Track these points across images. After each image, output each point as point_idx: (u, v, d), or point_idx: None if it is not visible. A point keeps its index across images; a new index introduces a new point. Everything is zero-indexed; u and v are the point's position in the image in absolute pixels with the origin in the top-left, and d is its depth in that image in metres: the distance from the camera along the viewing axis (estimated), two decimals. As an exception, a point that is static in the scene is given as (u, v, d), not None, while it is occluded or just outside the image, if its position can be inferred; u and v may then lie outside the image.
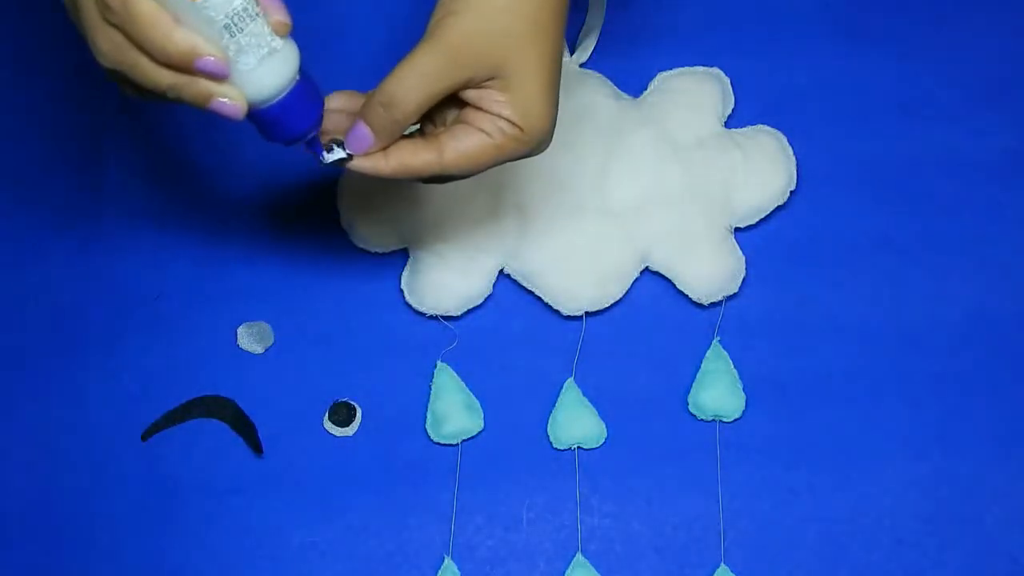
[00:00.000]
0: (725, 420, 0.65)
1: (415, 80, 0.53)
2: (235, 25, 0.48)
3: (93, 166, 0.72)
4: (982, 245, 0.69)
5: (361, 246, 0.69)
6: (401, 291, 0.68)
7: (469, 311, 0.67)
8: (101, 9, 0.48)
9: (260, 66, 0.49)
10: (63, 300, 0.69)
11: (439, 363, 0.67)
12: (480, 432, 0.66)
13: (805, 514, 0.63)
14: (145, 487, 0.65)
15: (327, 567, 0.63)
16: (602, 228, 0.67)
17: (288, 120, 0.52)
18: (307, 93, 0.52)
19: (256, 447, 0.65)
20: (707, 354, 0.66)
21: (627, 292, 0.68)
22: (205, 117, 0.70)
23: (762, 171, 0.69)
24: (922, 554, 0.62)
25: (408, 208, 0.68)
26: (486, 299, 0.68)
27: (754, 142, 0.70)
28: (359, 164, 0.55)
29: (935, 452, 0.64)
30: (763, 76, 0.72)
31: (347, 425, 0.65)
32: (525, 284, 0.68)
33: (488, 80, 0.53)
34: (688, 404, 0.66)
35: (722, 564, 0.62)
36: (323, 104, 0.54)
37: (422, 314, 0.67)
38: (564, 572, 0.63)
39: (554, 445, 0.65)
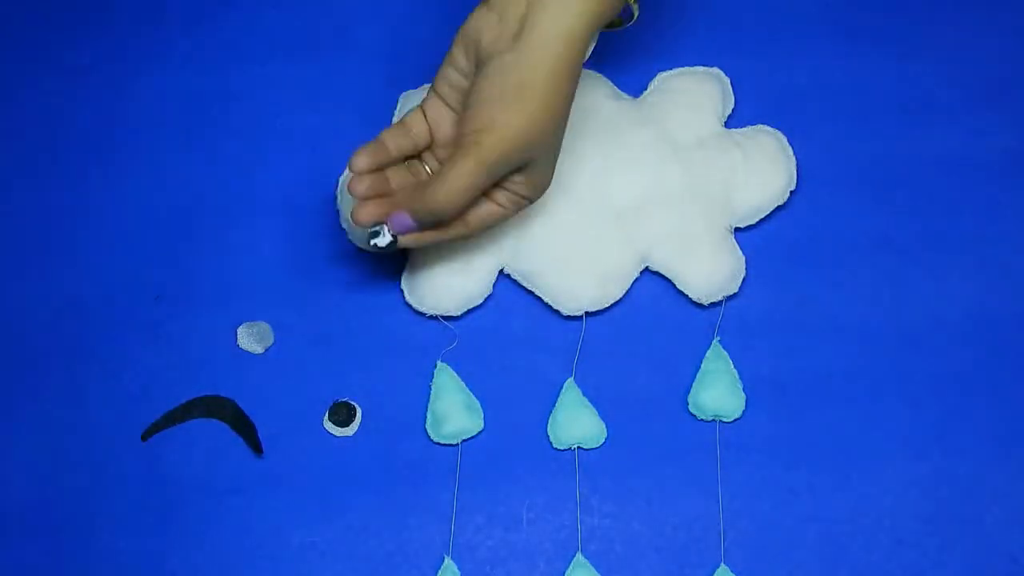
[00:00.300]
0: (725, 420, 0.65)
1: (460, 194, 0.59)
2: None
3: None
4: (982, 245, 0.69)
5: (361, 246, 0.69)
6: (401, 291, 0.68)
7: (469, 311, 0.68)
8: None
9: None
10: (63, 300, 0.69)
11: (439, 363, 0.67)
12: (480, 432, 0.66)
13: (805, 514, 0.63)
14: (145, 487, 0.65)
15: (327, 567, 0.63)
16: (602, 228, 0.67)
17: None
18: None
19: (256, 447, 0.65)
20: (707, 354, 0.66)
21: (627, 292, 0.68)
22: (204, 117, 0.70)
23: (762, 171, 0.69)
24: (922, 554, 0.62)
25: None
26: (486, 299, 0.68)
27: (754, 142, 0.70)
28: (402, 241, 0.62)
29: (935, 452, 0.64)
30: (763, 76, 0.72)
31: (347, 425, 0.65)
32: (525, 284, 0.68)
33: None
34: (688, 404, 0.66)
35: (722, 564, 0.62)
36: None
37: (422, 314, 0.67)
38: (564, 572, 0.63)
39: (554, 445, 0.65)
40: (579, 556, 0.63)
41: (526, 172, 0.60)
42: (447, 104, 0.62)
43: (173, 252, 0.70)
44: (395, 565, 0.63)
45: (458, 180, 0.58)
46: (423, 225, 0.61)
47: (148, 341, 0.68)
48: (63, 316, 0.69)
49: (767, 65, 0.73)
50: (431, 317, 0.67)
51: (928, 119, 0.72)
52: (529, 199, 0.62)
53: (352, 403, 0.66)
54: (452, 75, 0.61)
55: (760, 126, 0.71)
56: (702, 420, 0.65)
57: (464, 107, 0.59)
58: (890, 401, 0.65)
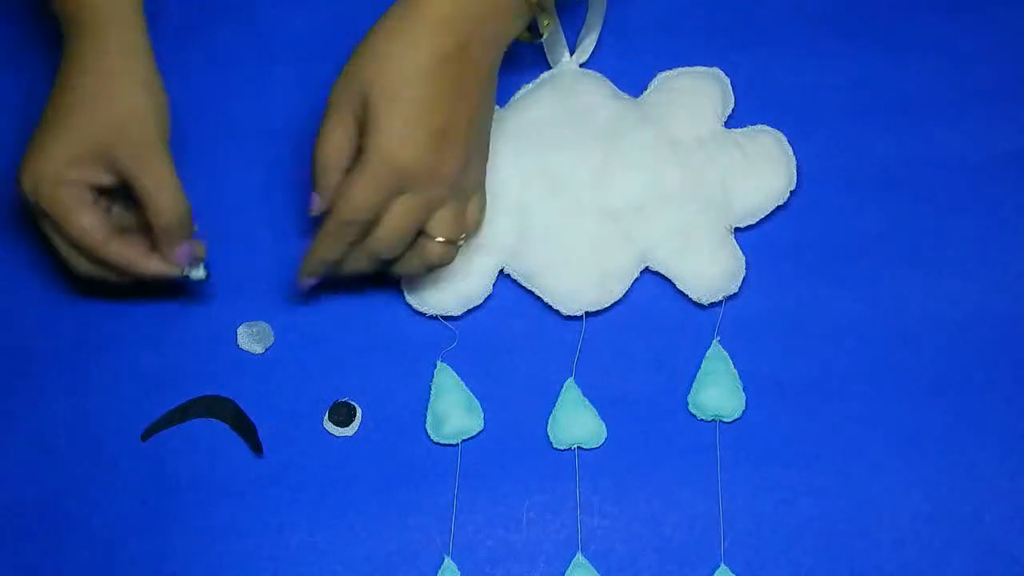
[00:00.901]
0: (725, 420, 0.65)
1: (335, 136, 0.61)
2: None
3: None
4: (982, 245, 0.69)
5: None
6: (401, 291, 0.68)
7: (469, 311, 0.68)
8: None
9: None
10: (63, 300, 0.69)
11: (439, 363, 0.67)
12: (480, 432, 0.66)
13: (805, 514, 0.63)
14: (145, 487, 0.65)
15: (327, 567, 0.63)
16: (602, 228, 0.67)
17: None
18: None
19: (256, 447, 0.65)
20: (707, 354, 0.66)
21: (627, 292, 0.68)
22: (204, 119, 0.70)
23: (762, 171, 0.69)
24: (922, 554, 0.62)
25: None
26: (486, 299, 0.68)
27: (754, 142, 0.70)
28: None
29: (935, 452, 0.64)
30: (763, 76, 0.72)
31: (347, 425, 0.65)
32: (525, 284, 0.68)
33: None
34: (688, 404, 0.66)
35: (722, 564, 0.62)
36: None
37: (422, 314, 0.67)
38: (564, 572, 0.63)
39: (554, 445, 0.65)
40: (579, 556, 0.63)
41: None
42: None
43: (173, 252, 0.70)
44: (395, 565, 0.63)
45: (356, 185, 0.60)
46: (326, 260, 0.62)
47: (148, 341, 0.68)
48: (63, 316, 0.69)
49: (767, 65, 0.73)
50: (431, 317, 0.67)
51: (928, 119, 0.71)
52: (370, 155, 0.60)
53: (352, 403, 0.66)
54: None
55: (760, 126, 0.71)
56: (702, 420, 0.65)
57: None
58: (890, 401, 0.65)
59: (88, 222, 0.61)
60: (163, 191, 0.62)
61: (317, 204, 0.62)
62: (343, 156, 0.61)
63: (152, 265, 0.63)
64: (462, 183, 0.61)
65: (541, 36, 0.66)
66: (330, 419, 0.65)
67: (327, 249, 0.62)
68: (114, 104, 0.62)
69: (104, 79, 0.62)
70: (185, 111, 0.73)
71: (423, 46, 0.59)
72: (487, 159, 0.64)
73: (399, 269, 0.64)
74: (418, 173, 0.59)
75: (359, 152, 0.60)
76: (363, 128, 0.60)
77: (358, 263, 0.63)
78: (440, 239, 0.62)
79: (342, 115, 0.60)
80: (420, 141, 0.59)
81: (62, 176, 0.61)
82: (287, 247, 0.70)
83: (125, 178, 0.62)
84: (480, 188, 0.64)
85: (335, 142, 0.61)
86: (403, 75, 0.59)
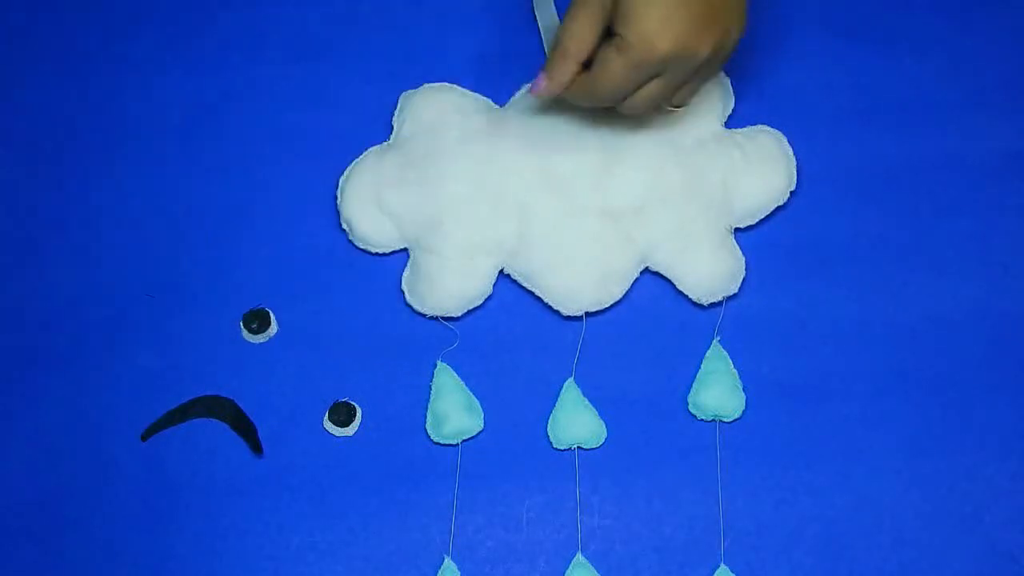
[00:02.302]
0: (725, 420, 0.65)
1: (582, 29, 0.61)
2: None
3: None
4: (982, 245, 0.69)
5: (361, 246, 0.69)
6: (401, 291, 0.68)
7: (469, 311, 0.68)
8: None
9: None
10: (63, 300, 0.69)
11: (439, 363, 0.67)
12: (480, 432, 0.66)
13: (805, 514, 0.63)
14: (145, 487, 0.65)
15: (327, 567, 0.63)
16: (602, 228, 0.67)
17: None
18: None
19: (256, 447, 0.65)
20: (707, 354, 0.66)
21: (627, 292, 0.68)
22: (204, 117, 0.70)
23: (762, 171, 0.69)
24: (922, 554, 0.62)
25: (408, 208, 0.68)
26: (486, 299, 0.68)
27: (754, 142, 0.70)
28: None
29: (935, 452, 0.64)
30: (763, 76, 0.72)
31: (347, 425, 0.65)
32: (525, 284, 0.68)
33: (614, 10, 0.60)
34: (688, 404, 0.66)
35: (722, 564, 0.62)
36: None
37: (422, 314, 0.67)
38: (564, 572, 0.63)
39: (554, 445, 0.65)
40: (579, 556, 0.63)
41: (619, 9, 0.60)
42: None
43: (173, 252, 0.70)
44: (395, 565, 0.63)
45: (576, 19, 0.61)
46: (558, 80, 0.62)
47: (148, 341, 0.68)
48: (63, 316, 0.69)
49: (767, 65, 0.73)
50: (431, 317, 0.67)
51: (928, 119, 0.71)
52: (624, 38, 0.60)
53: (352, 403, 0.66)
54: None
55: (760, 126, 0.71)
56: (702, 420, 0.65)
57: None
58: (890, 401, 0.65)
59: None
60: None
61: (544, 87, 0.63)
62: (586, 48, 0.61)
63: None
64: (714, 59, 0.62)
65: None
66: (330, 419, 0.65)
67: (571, 96, 0.63)
68: None
69: None
70: (189, 105, 0.74)
71: None
72: (742, 29, 0.63)
73: (622, 110, 0.65)
74: (677, 58, 0.60)
75: (608, 37, 0.61)
76: (615, 17, 0.60)
77: (587, 103, 0.65)
78: (676, 107, 0.66)
79: (590, 6, 0.61)
80: (680, 28, 0.59)
81: None
82: (287, 247, 0.70)
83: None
84: (727, 56, 0.64)
85: (580, 33, 0.61)
86: None
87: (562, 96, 0.64)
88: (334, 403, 0.66)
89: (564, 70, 0.62)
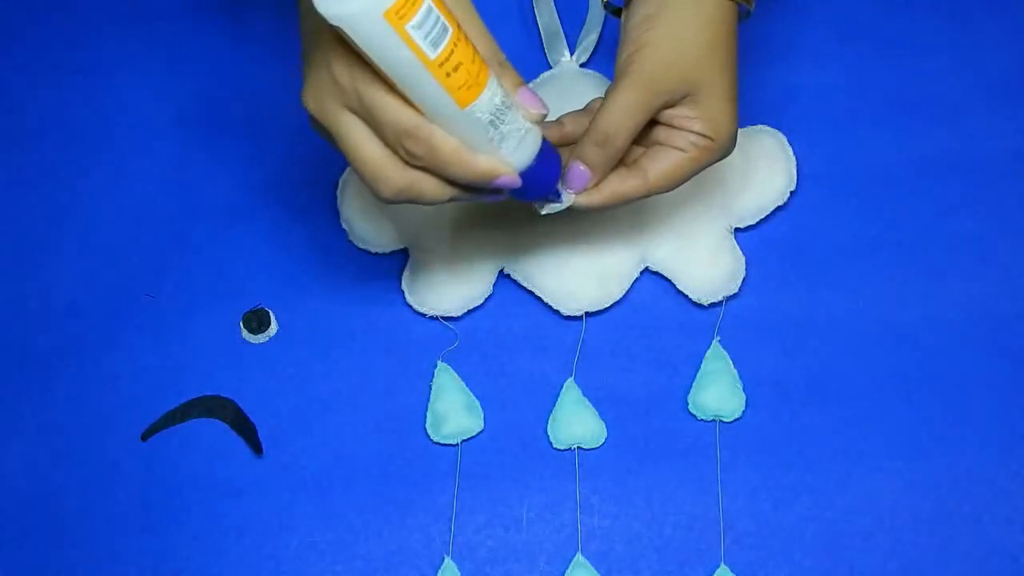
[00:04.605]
0: (725, 420, 0.65)
1: (624, 115, 0.58)
2: (498, 119, 0.51)
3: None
4: (982, 245, 0.69)
5: (361, 246, 0.69)
6: (401, 291, 0.68)
7: (469, 311, 0.68)
8: (405, 157, 0.52)
9: (519, 147, 0.53)
10: (63, 300, 0.69)
11: (439, 363, 0.67)
12: (480, 432, 0.66)
13: (805, 514, 0.63)
14: (145, 487, 0.65)
15: (327, 567, 0.63)
16: (602, 228, 0.67)
17: (541, 180, 0.57)
18: (549, 153, 0.56)
19: (256, 447, 0.65)
20: (707, 354, 0.66)
21: (627, 292, 0.68)
22: (204, 116, 0.70)
23: (762, 171, 0.69)
24: (922, 554, 0.62)
25: (408, 208, 0.68)
26: (486, 299, 0.68)
27: (754, 142, 0.70)
28: (578, 202, 0.60)
29: (935, 452, 0.64)
30: (763, 76, 0.72)
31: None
32: (525, 284, 0.68)
33: (680, 100, 0.59)
34: (688, 404, 0.66)
35: (722, 564, 0.62)
36: (559, 156, 0.58)
37: (422, 314, 0.67)
38: (564, 572, 0.63)
39: (554, 445, 0.65)
40: (579, 556, 0.63)
41: (694, 105, 0.59)
42: None
43: (172, 252, 0.70)
44: (395, 565, 0.63)
45: (619, 98, 0.57)
46: (598, 172, 0.59)
47: (148, 341, 0.68)
48: (63, 316, 0.69)
49: (767, 65, 0.73)
50: (431, 317, 0.68)
51: (928, 119, 0.72)
52: (710, 137, 0.59)
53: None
54: None
55: (760, 126, 0.71)
56: (702, 420, 0.65)
57: (619, 45, 0.59)
58: (890, 401, 0.65)
59: None
60: None
61: (583, 179, 0.59)
62: (632, 134, 0.59)
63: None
64: None
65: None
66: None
67: (608, 200, 0.60)
68: None
69: None
70: (189, 105, 0.74)
71: (716, 21, 0.59)
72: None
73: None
74: (731, 143, 0.60)
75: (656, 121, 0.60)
76: (688, 112, 0.59)
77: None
78: None
79: (650, 98, 0.58)
80: (734, 113, 0.60)
81: None
82: (287, 247, 0.70)
83: None
84: None
85: (635, 120, 0.58)
86: (706, 52, 0.59)
87: (601, 203, 0.60)
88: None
89: (609, 153, 0.59)
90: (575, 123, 0.61)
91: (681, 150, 0.59)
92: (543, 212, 0.60)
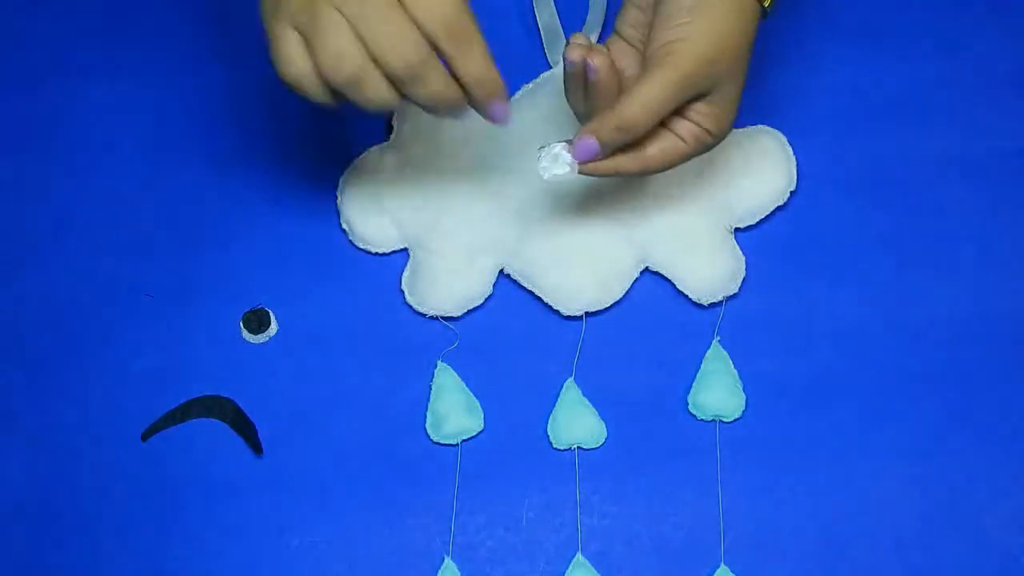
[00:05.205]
0: (725, 420, 0.65)
1: (652, 110, 0.58)
2: None
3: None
4: (982, 245, 0.69)
5: (361, 246, 0.69)
6: (401, 291, 0.68)
7: (469, 311, 0.67)
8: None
9: None
10: (62, 300, 0.69)
11: (439, 363, 0.67)
12: (480, 432, 0.66)
13: (805, 514, 0.63)
14: (145, 487, 0.65)
15: (327, 567, 0.63)
16: (602, 228, 0.67)
17: None
18: None
19: (256, 447, 0.65)
20: (707, 354, 0.66)
21: (627, 292, 0.68)
22: (204, 116, 0.70)
23: (762, 171, 0.69)
24: (922, 554, 0.62)
25: (408, 208, 0.68)
26: (486, 299, 0.68)
27: (754, 142, 0.70)
28: (582, 168, 0.60)
29: (935, 452, 0.64)
30: (763, 76, 0.72)
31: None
32: (525, 284, 0.68)
33: (704, 95, 0.59)
34: (688, 404, 0.66)
35: (722, 564, 0.62)
36: None
37: (422, 314, 0.67)
38: (564, 572, 0.63)
39: (554, 445, 0.65)
40: (579, 556, 0.63)
41: (710, 100, 0.59)
42: (632, 45, 0.62)
43: (172, 252, 0.70)
44: (395, 565, 0.63)
45: (653, 91, 0.57)
46: (607, 148, 0.59)
47: (148, 341, 0.68)
48: (63, 316, 0.69)
49: (767, 65, 0.73)
50: (431, 317, 0.67)
51: (928, 119, 0.72)
52: (711, 134, 0.60)
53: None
54: (633, 14, 0.62)
55: (760, 126, 0.71)
56: (702, 420, 0.65)
57: (652, 27, 0.59)
58: (890, 401, 0.65)
59: None
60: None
61: (592, 153, 0.59)
62: (655, 124, 0.59)
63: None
64: None
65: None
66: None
67: (606, 169, 0.61)
68: None
69: None
70: (189, 105, 0.74)
71: (748, 20, 0.59)
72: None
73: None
74: (718, 80, 0.59)
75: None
76: (704, 107, 0.59)
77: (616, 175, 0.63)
78: None
79: (682, 94, 0.58)
80: (736, 113, 0.61)
81: None
82: (287, 247, 0.70)
83: None
84: None
85: (660, 114, 0.58)
86: (738, 51, 0.59)
87: (596, 172, 0.61)
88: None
89: (618, 141, 0.59)
90: (623, 59, 0.62)
91: (682, 139, 0.60)
92: (546, 176, 0.60)
